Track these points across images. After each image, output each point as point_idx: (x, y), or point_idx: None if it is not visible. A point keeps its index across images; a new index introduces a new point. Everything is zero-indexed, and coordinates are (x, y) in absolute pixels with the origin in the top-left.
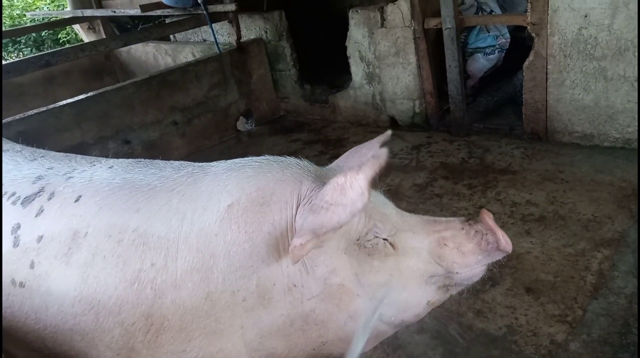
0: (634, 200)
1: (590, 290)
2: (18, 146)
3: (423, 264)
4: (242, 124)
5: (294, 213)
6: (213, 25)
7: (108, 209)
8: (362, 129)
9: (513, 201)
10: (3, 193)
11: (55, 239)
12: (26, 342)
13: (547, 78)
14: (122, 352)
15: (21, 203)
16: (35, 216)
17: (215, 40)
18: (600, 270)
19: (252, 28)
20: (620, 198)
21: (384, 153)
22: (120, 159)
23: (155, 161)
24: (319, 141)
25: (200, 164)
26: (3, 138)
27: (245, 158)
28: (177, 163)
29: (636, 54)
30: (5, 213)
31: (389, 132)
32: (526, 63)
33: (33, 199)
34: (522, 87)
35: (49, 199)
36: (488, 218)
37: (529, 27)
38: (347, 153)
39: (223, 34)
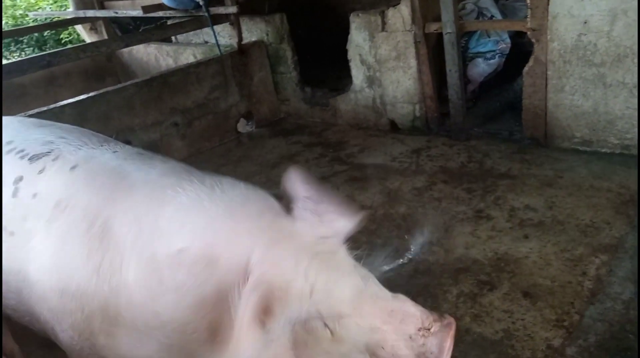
0: (632, 206)
1: (587, 295)
2: (21, 118)
3: (355, 354)
4: (243, 126)
5: (240, 279)
6: (214, 27)
7: (92, 190)
8: (362, 132)
9: (512, 206)
10: (14, 148)
11: (44, 201)
12: (8, 288)
13: (546, 84)
14: (84, 334)
15: (29, 159)
16: (38, 173)
17: (217, 42)
18: (597, 275)
19: (254, 30)
20: (618, 204)
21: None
22: (128, 147)
23: (155, 157)
24: (319, 144)
25: (182, 177)
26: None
27: (218, 186)
28: (169, 166)
29: (635, 60)
30: (13, 165)
31: (360, 217)
32: (526, 69)
33: (40, 158)
34: (522, 93)
35: (54, 160)
36: (449, 338)
37: (528, 33)
38: (311, 193)
39: (224, 36)
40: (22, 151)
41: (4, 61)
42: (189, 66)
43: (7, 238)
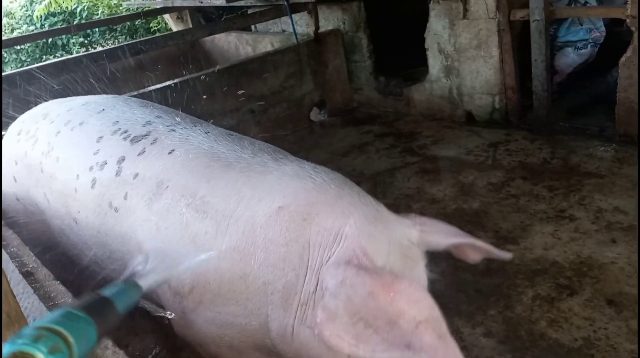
0: None
1: None
2: (127, 97)
3: None
4: (315, 115)
5: (329, 241)
6: (292, 16)
7: (188, 172)
8: (436, 123)
9: (599, 207)
10: (119, 128)
11: (145, 181)
12: (112, 259)
13: None
14: (177, 296)
15: (130, 140)
16: (138, 155)
17: (294, 31)
18: None
19: (330, 19)
20: None
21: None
22: (218, 128)
23: (244, 138)
24: (390, 134)
25: (278, 156)
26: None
27: (319, 168)
28: (258, 146)
29: None
30: (117, 145)
31: (508, 255)
32: (623, 59)
33: (140, 140)
34: (616, 86)
35: (152, 144)
36: None
37: (628, 21)
38: (436, 223)
39: (302, 24)
40: (125, 131)
41: (99, 48)
42: (266, 54)
43: (112, 213)
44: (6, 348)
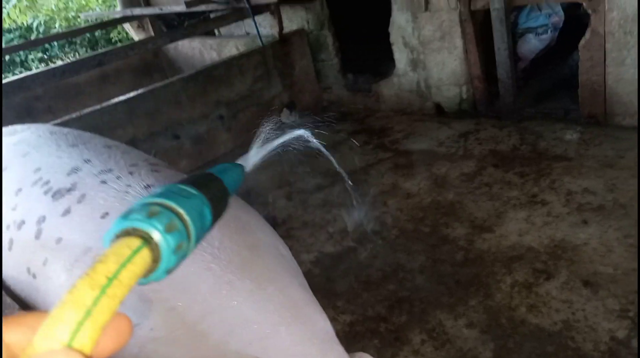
0: None
1: None
2: (66, 130)
3: None
4: (286, 116)
5: None
6: (255, 17)
7: None
8: (407, 117)
9: (569, 189)
10: (40, 178)
11: (69, 248)
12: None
13: (605, 57)
14: None
15: (52, 195)
16: (61, 216)
17: (258, 33)
18: None
19: (294, 19)
20: None
21: None
22: (161, 177)
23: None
24: (362, 131)
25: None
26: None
27: None
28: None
29: None
30: (36, 200)
31: None
32: (582, 42)
33: (63, 195)
34: (578, 68)
35: (79, 202)
36: None
37: (584, 4)
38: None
39: (265, 25)
40: (47, 183)
41: (59, 62)
42: (232, 59)
43: (30, 280)
44: (117, 225)
